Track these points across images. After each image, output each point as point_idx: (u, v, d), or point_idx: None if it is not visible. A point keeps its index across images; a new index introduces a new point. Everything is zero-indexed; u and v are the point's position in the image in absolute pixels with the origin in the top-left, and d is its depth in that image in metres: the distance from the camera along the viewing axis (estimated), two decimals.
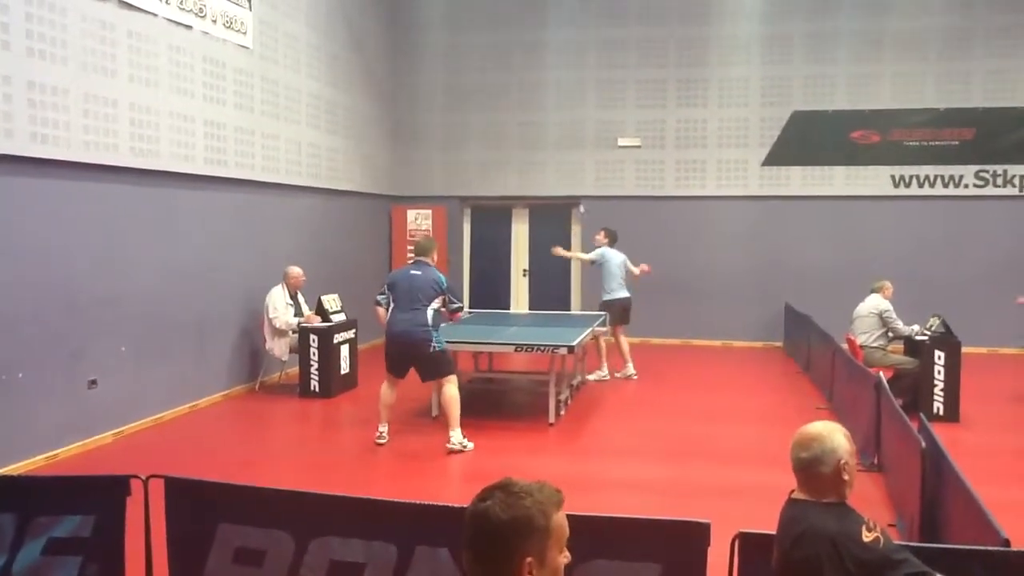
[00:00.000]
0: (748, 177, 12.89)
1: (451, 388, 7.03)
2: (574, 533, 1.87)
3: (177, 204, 8.08)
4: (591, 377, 10.07)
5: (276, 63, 9.85)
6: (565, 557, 1.84)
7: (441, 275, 7.21)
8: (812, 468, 2.64)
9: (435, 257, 7.32)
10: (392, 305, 7.08)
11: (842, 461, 2.62)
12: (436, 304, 7.04)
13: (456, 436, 6.97)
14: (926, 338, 8.24)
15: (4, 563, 3.64)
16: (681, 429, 7.85)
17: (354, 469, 6.67)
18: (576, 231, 13.67)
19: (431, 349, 6.95)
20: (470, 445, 7.01)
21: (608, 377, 10.14)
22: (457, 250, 13.90)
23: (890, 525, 5.07)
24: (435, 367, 7.05)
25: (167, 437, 7.47)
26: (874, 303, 8.48)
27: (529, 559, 1.74)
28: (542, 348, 7.74)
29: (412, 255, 7.55)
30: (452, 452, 6.90)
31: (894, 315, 8.39)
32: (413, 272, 7.17)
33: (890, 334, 8.41)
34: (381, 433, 7.12)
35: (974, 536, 3.46)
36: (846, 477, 2.63)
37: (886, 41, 12.42)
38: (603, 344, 10.20)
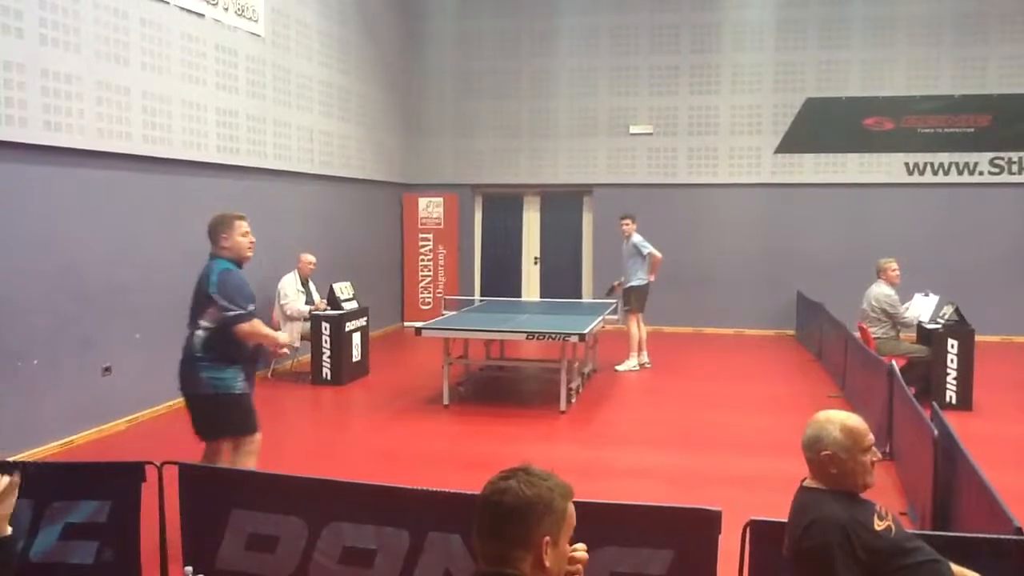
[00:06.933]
0: (760, 165, 12.82)
1: None
2: (587, 520, 1.90)
3: (189, 192, 8.10)
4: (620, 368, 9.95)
5: (288, 51, 9.85)
6: (582, 551, 1.93)
7: None
8: (805, 455, 2.68)
9: None
10: None
11: (824, 452, 2.59)
12: None
13: None
14: (939, 326, 8.20)
15: (22, 548, 3.68)
16: (692, 417, 7.85)
17: (366, 456, 6.71)
18: (587, 219, 13.65)
19: None
20: None
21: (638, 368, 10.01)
22: (468, 238, 13.91)
23: (902, 513, 5.06)
24: None
25: (181, 424, 7.48)
26: (876, 294, 8.32)
27: (547, 538, 1.80)
28: (554, 336, 7.75)
29: None
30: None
31: (897, 304, 8.21)
32: None
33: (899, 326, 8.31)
34: None
35: (986, 524, 3.45)
36: (833, 471, 2.59)
37: (900, 26, 12.30)
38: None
